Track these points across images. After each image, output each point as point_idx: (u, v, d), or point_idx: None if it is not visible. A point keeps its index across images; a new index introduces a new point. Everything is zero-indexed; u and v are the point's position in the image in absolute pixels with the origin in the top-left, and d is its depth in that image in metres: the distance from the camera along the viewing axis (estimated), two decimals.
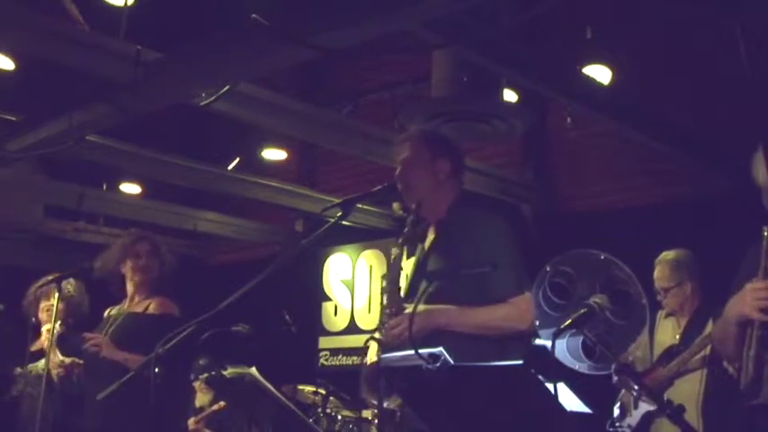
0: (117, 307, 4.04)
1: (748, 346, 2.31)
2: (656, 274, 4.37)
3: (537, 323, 2.48)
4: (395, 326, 2.80)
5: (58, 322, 4.17)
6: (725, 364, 3.55)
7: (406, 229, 3.00)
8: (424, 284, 2.80)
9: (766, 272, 2.35)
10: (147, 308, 3.92)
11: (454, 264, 2.81)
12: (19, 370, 4.61)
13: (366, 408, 4.72)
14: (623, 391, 4.48)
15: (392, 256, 3.02)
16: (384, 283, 3.02)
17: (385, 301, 2.94)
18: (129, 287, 4.01)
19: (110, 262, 4.03)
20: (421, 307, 2.72)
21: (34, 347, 4.61)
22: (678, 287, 4.32)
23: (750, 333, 2.32)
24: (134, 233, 4.15)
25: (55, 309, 4.11)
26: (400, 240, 2.99)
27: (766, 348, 2.27)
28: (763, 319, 2.29)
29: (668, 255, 4.39)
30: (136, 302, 3.98)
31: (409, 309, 2.81)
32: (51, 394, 4.23)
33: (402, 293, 2.94)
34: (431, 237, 3.02)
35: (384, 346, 2.77)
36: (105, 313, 4.08)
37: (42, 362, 4.55)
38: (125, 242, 4.04)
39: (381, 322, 2.87)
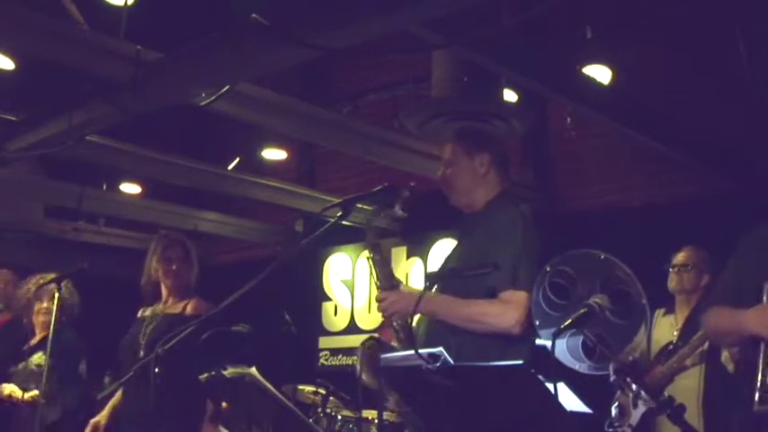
0: (150, 308, 4.03)
1: (764, 367, 2.37)
2: (682, 253, 4.46)
3: (537, 323, 2.48)
4: (383, 299, 2.85)
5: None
6: (722, 360, 3.57)
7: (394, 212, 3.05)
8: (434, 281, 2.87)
9: None
10: (184, 309, 3.92)
11: (465, 263, 2.84)
12: (13, 369, 4.63)
13: (365, 407, 4.72)
14: (619, 391, 4.49)
15: (370, 233, 3.06)
16: (371, 254, 3.04)
17: (375, 274, 2.98)
18: (164, 290, 4.02)
19: (150, 273, 4.03)
20: (408, 288, 2.86)
21: (28, 346, 4.65)
22: (697, 271, 4.40)
23: (765, 351, 2.39)
24: (165, 237, 4.11)
25: (55, 309, 4.11)
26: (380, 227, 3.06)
27: None
28: None
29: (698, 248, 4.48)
30: (170, 304, 3.98)
31: (403, 288, 2.92)
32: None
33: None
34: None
35: (384, 346, 2.78)
36: (139, 314, 4.07)
37: (35, 356, 4.56)
38: (157, 248, 4.03)
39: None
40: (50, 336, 4.07)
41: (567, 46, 5.40)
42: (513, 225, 2.84)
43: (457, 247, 3.07)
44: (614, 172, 6.22)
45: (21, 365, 4.60)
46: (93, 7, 4.76)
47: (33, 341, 4.72)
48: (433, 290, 2.86)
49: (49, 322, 4.38)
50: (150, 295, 4.05)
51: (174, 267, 3.97)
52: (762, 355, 2.39)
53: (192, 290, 4.00)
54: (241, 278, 2.76)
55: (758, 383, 2.37)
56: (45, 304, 4.67)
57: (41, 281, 4.64)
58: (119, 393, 4.01)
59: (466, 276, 2.75)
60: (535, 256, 2.77)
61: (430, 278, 2.93)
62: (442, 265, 3.05)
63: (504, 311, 2.71)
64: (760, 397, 2.34)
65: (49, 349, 4.09)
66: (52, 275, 4.44)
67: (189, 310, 3.90)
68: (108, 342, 4.26)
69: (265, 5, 3.25)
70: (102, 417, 3.99)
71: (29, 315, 4.76)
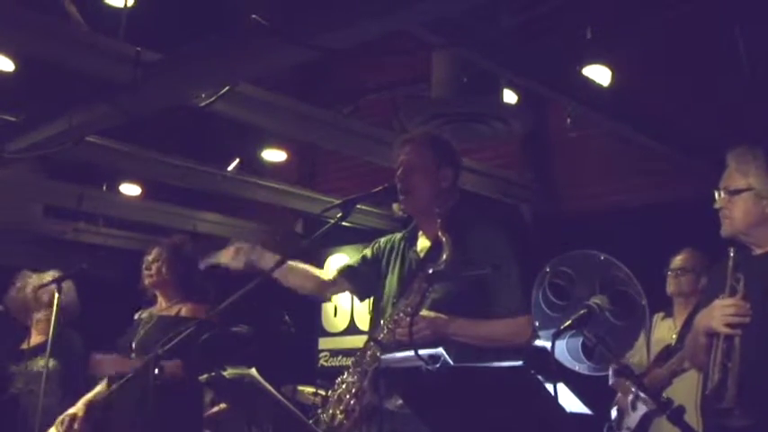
0: (148, 310, 4.03)
1: (714, 356, 2.51)
2: (679, 257, 4.47)
3: (537, 323, 2.48)
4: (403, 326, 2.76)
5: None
6: None
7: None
8: (424, 286, 2.78)
9: (732, 289, 2.57)
10: (179, 311, 3.90)
11: (455, 268, 2.79)
12: (15, 368, 4.58)
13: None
14: (620, 393, 4.49)
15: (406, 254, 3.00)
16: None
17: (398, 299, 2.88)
18: (157, 293, 4.03)
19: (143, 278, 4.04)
20: (430, 313, 2.71)
21: (25, 346, 4.58)
22: (695, 274, 4.40)
23: (716, 345, 2.52)
24: (153, 242, 4.11)
25: (54, 310, 4.11)
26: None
27: (729, 359, 2.47)
28: (728, 332, 2.49)
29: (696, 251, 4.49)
30: (165, 307, 3.98)
31: (425, 313, 2.74)
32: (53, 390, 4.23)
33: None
34: (425, 243, 2.98)
35: (384, 347, 2.77)
36: (136, 316, 4.07)
37: (39, 358, 4.53)
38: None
39: (392, 319, 2.83)
40: (50, 338, 4.07)
41: (567, 46, 5.40)
42: (494, 238, 2.83)
43: (425, 262, 2.89)
44: (614, 172, 6.22)
45: (22, 365, 4.51)
46: (93, 7, 4.75)
47: (33, 341, 4.67)
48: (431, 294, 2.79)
49: (51, 324, 4.37)
50: (153, 299, 4.06)
51: (146, 272, 3.97)
52: (714, 349, 2.52)
53: (180, 292, 3.95)
54: (241, 279, 2.76)
55: (711, 370, 2.51)
56: (48, 305, 4.64)
57: (39, 281, 4.61)
58: (98, 388, 3.98)
59: (464, 278, 2.72)
60: (522, 268, 2.78)
61: (427, 278, 2.83)
62: (407, 279, 2.96)
63: (523, 332, 2.72)
64: (711, 381, 2.49)
65: (48, 351, 4.08)
66: (51, 275, 4.43)
67: (184, 312, 3.88)
68: (107, 343, 4.26)
69: (265, 5, 3.25)
70: (77, 409, 3.89)
71: (26, 315, 4.70)
